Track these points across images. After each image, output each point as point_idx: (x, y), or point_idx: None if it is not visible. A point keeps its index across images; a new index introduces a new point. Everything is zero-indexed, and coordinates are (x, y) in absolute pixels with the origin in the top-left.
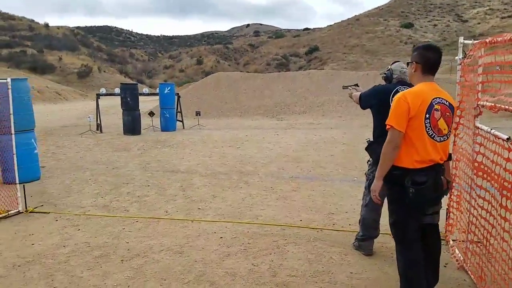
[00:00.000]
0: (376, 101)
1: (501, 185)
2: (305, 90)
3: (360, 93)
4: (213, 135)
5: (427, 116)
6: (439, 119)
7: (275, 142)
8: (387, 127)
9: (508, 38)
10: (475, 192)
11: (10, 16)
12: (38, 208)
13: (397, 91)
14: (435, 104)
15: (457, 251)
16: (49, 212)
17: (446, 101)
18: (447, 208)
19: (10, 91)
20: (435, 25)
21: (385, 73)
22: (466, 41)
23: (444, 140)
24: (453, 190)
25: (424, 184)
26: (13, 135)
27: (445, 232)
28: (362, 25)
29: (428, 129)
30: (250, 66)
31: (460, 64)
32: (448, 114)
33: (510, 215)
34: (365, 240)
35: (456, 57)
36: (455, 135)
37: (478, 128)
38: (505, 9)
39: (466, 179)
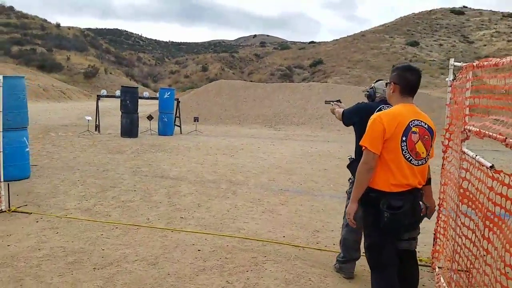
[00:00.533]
0: (358, 119)
1: (484, 215)
2: (305, 101)
3: (343, 109)
4: (209, 142)
5: (404, 138)
6: (416, 142)
7: (270, 152)
8: (362, 148)
9: (494, 63)
10: (460, 220)
11: (24, 14)
12: (21, 208)
13: (380, 110)
14: (413, 126)
15: (442, 280)
16: (31, 213)
17: (425, 124)
18: (434, 234)
19: (0, 88)
20: (440, 44)
21: (367, 91)
22: (456, 63)
23: (422, 164)
24: (440, 215)
25: (400, 209)
26: (0, 133)
27: (432, 258)
28: (367, 41)
29: (405, 152)
30: (254, 75)
31: (450, 86)
32: (426, 137)
33: (492, 248)
34: (346, 262)
35: (446, 79)
36: (444, 158)
37: (464, 153)
38: (511, 32)
39: (452, 205)
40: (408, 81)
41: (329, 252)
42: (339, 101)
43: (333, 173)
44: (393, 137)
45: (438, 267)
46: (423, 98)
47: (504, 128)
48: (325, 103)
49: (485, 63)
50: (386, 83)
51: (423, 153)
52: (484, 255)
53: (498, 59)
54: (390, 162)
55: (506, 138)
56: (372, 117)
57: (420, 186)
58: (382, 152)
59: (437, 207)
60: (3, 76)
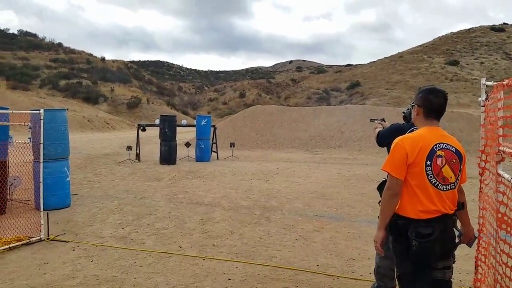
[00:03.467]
0: (391, 140)
1: None
2: (342, 124)
3: (379, 130)
4: (244, 167)
5: (428, 163)
6: (443, 166)
7: (305, 176)
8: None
9: None
10: (499, 246)
11: (71, 50)
12: (59, 236)
13: (411, 132)
14: (438, 150)
15: None
16: (68, 241)
17: (452, 147)
18: (475, 261)
19: (42, 121)
20: (482, 62)
21: (403, 112)
22: (488, 83)
23: (451, 189)
24: (480, 242)
25: (430, 236)
26: (41, 164)
27: (474, 287)
28: (405, 62)
29: (431, 177)
30: (291, 100)
31: (484, 106)
32: (454, 161)
33: None
34: None
35: (479, 99)
36: (481, 181)
37: (500, 175)
38: None
39: (491, 231)
40: (432, 104)
41: (364, 281)
42: (383, 120)
43: (371, 198)
44: (416, 162)
45: None
46: (465, 117)
47: None
48: (370, 121)
49: None
50: (412, 106)
51: (451, 177)
52: None
53: None
54: (415, 188)
55: None
56: (395, 141)
57: (451, 212)
58: (407, 177)
59: (477, 233)
60: (45, 110)
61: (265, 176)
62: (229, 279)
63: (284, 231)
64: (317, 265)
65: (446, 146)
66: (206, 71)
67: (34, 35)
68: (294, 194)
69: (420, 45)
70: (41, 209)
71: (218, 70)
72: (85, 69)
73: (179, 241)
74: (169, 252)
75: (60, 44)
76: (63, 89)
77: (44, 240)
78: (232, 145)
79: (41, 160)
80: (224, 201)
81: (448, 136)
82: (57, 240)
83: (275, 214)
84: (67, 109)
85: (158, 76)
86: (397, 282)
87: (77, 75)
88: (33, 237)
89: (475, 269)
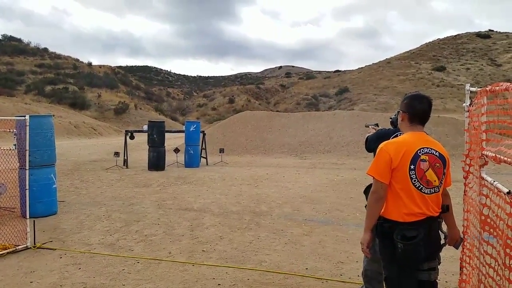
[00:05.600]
0: (377, 145)
1: (505, 242)
2: (331, 129)
3: (367, 135)
4: (234, 173)
5: (412, 167)
6: (426, 170)
7: (294, 181)
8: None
9: (504, 87)
10: (482, 248)
11: (57, 55)
12: (46, 244)
13: (396, 137)
14: (422, 154)
15: None
16: (55, 249)
17: (436, 151)
18: (460, 263)
19: (27, 128)
20: (468, 68)
21: (391, 118)
22: (472, 88)
23: (435, 192)
24: (465, 244)
25: (414, 239)
26: (27, 171)
27: None
28: (393, 68)
29: (414, 180)
30: (280, 106)
31: (468, 111)
32: (438, 165)
33: None
34: None
35: (464, 104)
36: (465, 184)
37: (483, 178)
38: None
39: (475, 233)
40: (416, 110)
41: (353, 284)
42: (377, 125)
43: (359, 202)
44: (400, 166)
45: None
46: (451, 122)
47: None
48: (365, 127)
49: (497, 87)
50: (397, 112)
51: (435, 181)
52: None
53: (509, 84)
54: (400, 191)
55: None
56: (380, 146)
57: (436, 215)
58: (391, 181)
59: (462, 236)
60: (30, 116)
61: (254, 182)
62: (218, 284)
63: (274, 235)
64: (306, 268)
65: (430, 150)
66: (195, 76)
67: (19, 40)
68: (283, 198)
69: (408, 51)
70: (27, 216)
71: (207, 75)
72: (71, 75)
73: (168, 247)
74: (158, 259)
75: (45, 49)
76: (49, 94)
77: (30, 248)
78: (221, 150)
79: (27, 167)
80: (214, 207)
81: (432, 141)
82: (44, 248)
83: (265, 219)
84: (53, 115)
85: (146, 82)
86: (384, 285)
87: (63, 81)
88: (19, 245)
89: (460, 270)
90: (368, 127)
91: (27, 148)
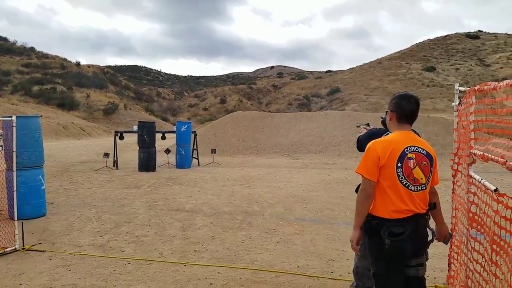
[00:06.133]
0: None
1: (491, 239)
2: (322, 130)
3: (359, 135)
4: (226, 173)
5: (399, 164)
6: (413, 168)
7: (286, 181)
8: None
9: (492, 87)
10: (470, 244)
11: (44, 54)
12: (35, 246)
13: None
14: (409, 152)
15: None
16: (44, 251)
17: (423, 150)
18: (448, 259)
19: (14, 129)
20: (457, 68)
21: (382, 117)
22: (461, 88)
23: (421, 190)
24: (453, 240)
25: (401, 235)
26: (14, 172)
27: (447, 284)
28: (383, 68)
29: (402, 178)
30: (272, 106)
31: (457, 111)
32: (425, 163)
33: (500, 272)
34: None
35: (453, 104)
36: (454, 182)
37: (471, 177)
38: None
39: (463, 230)
40: (404, 109)
41: (343, 281)
42: (368, 124)
43: (350, 201)
44: (387, 164)
45: None
46: (441, 122)
47: (506, 151)
48: (357, 127)
49: (485, 87)
50: (386, 112)
51: (421, 179)
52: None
53: (496, 83)
54: (387, 189)
55: (506, 161)
56: (368, 145)
57: (423, 212)
58: (379, 179)
59: (451, 232)
60: (17, 116)
61: (246, 182)
62: (211, 283)
63: (266, 235)
64: (298, 266)
65: (417, 149)
66: (185, 76)
67: (5, 39)
68: (275, 198)
69: (399, 52)
70: (15, 218)
71: (198, 75)
72: (59, 74)
73: (160, 248)
74: (149, 259)
75: (32, 49)
76: (36, 95)
77: (19, 250)
78: (213, 151)
79: (14, 168)
80: (206, 207)
81: (419, 140)
82: (33, 250)
83: (257, 219)
84: (41, 116)
85: (135, 81)
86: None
87: (51, 81)
88: (7, 248)
89: (448, 266)
90: (360, 127)
91: (14, 149)
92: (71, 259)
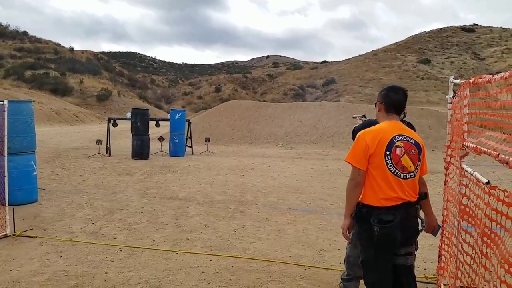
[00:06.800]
0: None
1: (482, 231)
2: (317, 120)
3: (355, 126)
4: (220, 162)
5: (388, 153)
6: (402, 156)
7: (280, 171)
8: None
9: (487, 79)
10: (461, 236)
11: (37, 39)
12: (26, 232)
13: None
14: (397, 141)
15: None
16: (36, 237)
17: (411, 139)
18: (439, 251)
19: (6, 113)
20: (452, 62)
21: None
22: (455, 81)
23: (410, 178)
24: (444, 232)
25: (390, 223)
26: (5, 157)
27: (437, 275)
28: (379, 60)
29: (390, 166)
30: (267, 95)
31: (451, 103)
32: (413, 151)
33: (490, 264)
34: (350, 280)
35: (447, 96)
36: (446, 174)
37: (463, 169)
38: None
39: (454, 222)
40: (392, 100)
41: (335, 271)
42: (364, 116)
43: (342, 191)
44: (376, 153)
45: (444, 284)
46: (435, 115)
47: (498, 144)
48: (353, 118)
49: (479, 80)
50: (375, 103)
51: (410, 166)
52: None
53: (491, 76)
54: (377, 177)
55: (499, 154)
56: (358, 134)
57: (413, 200)
58: (369, 168)
59: (441, 224)
60: (9, 101)
61: (240, 171)
62: (203, 272)
63: (259, 224)
64: (290, 256)
65: (405, 137)
66: (180, 64)
67: None
68: (269, 188)
69: (394, 44)
70: (6, 204)
71: (193, 63)
72: (52, 60)
73: (152, 235)
74: (141, 247)
75: (25, 33)
76: (29, 80)
77: (10, 236)
78: (207, 140)
79: (6, 154)
80: (199, 196)
81: (407, 130)
82: (24, 236)
83: (250, 208)
84: (33, 101)
85: (129, 68)
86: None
87: (44, 66)
88: None
89: (439, 258)
90: (356, 118)
91: (6, 134)
92: (63, 245)
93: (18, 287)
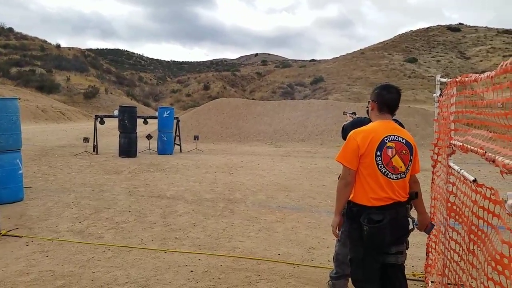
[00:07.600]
0: None
1: (469, 228)
2: (305, 118)
3: (344, 123)
4: (209, 160)
5: (378, 153)
6: (392, 156)
7: (269, 169)
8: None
9: (473, 78)
10: (448, 234)
11: (23, 36)
12: (12, 231)
13: None
14: (388, 141)
15: None
16: (21, 236)
17: (403, 139)
18: (426, 248)
19: None
20: (438, 60)
21: (367, 107)
22: (442, 79)
23: (401, 178)
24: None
25: (380, 222)
26: None
27: (425, 273)
28: (366, 58)
29: (381, 166)
30: (256, 93)
31: (438, 102)
32: (404, 151)
33: (477, 261)
34: (339, 278)
35: (434, 94)
36: (433, 172)
37: (450, 167)
38: (506, 48)
39: (441, 219)
40: (384, 99)
41: (323, 269)
42: (354, 113)
43: (331, 189)
44: (367, 153)
45: (431, 282)
46: (421, 113)
47: (485, 142)
48: (343, 114)
49: (466, 78)
50: (368, 102)
51: (401, 167)
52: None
53: (477, 75)
54: (367, 177)
55: (485, 152)
56: (349, 134)
57: (403, 200)
58: (360, 167)
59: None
60: None
61: (229, 169)
62: (191, 271)
63: (248, 222)
64: (279, 254)
65: (396, 138)
66: (168, 61)
67: None
68: (258, 186)
69: (381, 42)
70: None
71: (181, 61)
72: (38, 57)
73: (140, 234)
74: (129, 246)
75: (11, 29)
76: (15, 77)
77: None
78: (196, 138)
79: None
80: (187, 194)
81: (399, 129)
82: (9, 235)
83: (239, 206)
84: (19, 98)
85: (117, 65)
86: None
87: (30, 63)
88: None
89: (426, 255)
90: (346, 114)
91: None
92: (49, 245)
93: (4, 287)
